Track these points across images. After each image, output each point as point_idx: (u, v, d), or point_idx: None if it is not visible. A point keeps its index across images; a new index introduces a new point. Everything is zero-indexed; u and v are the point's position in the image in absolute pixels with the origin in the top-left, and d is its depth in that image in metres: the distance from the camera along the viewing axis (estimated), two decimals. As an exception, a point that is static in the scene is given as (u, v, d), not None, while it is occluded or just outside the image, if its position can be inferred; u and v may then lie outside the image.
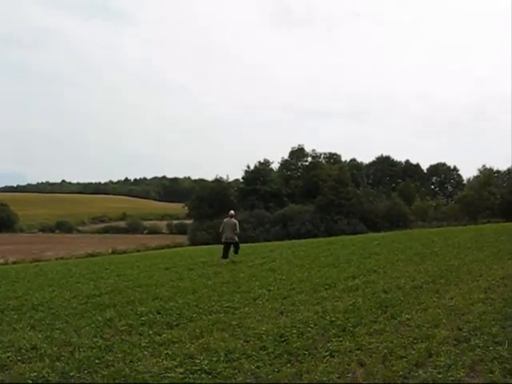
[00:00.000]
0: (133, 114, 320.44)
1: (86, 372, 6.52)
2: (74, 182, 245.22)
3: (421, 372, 6.14)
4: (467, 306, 9.33)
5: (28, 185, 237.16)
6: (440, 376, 5.95)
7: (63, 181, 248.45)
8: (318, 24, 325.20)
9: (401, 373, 6.14)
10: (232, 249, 19.46)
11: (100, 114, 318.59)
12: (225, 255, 19.10)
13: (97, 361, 6.91)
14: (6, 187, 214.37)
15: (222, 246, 19.55)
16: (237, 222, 19.66)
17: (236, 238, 19.42)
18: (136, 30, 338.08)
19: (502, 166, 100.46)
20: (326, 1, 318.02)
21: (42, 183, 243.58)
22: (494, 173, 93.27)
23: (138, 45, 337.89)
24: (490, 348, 6.84)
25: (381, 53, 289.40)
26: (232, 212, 20.57)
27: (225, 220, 19.93)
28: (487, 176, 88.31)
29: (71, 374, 6.44)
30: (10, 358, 7.19)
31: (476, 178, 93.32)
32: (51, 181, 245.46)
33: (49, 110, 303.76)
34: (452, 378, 5.88)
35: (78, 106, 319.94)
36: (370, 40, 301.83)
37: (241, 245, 20.03)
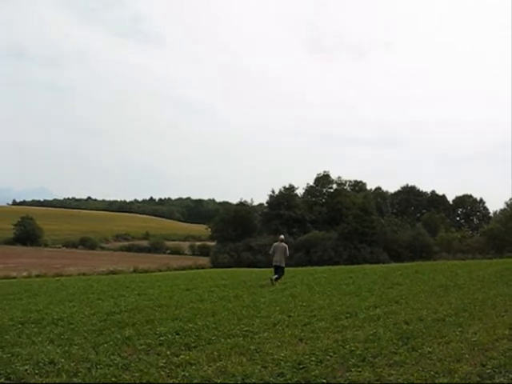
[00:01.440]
0: (160, 134, 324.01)
1: (102, 389, 6.51)
2: (100, 199, 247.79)
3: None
4: (491, 342, 9.12)
5: (54, 200, 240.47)
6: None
7: (89, 197, 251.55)
8: (349, 51, 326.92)
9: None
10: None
11: (127, 133, 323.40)
12: (278, 277, 19.54)
13: (113, 379, 6.90)
14: (33, 201, 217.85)
15: (273, 268, 20.16)
16: (287, 246, 20.20)
17: (283, 263, 19.91)
18: (164, 51, 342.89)
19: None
20: (356, 29, 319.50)
21: (68, 199, 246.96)
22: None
23: (166, 65, 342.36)
24: (515, 386, 6.67)
25: (409, 82, 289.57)
26: (282, 236, 21.23)
27: (275, 244, 20.46)
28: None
29: (87, 390, 6.44)
30: (28, 371, 7.22)
31: (503, 211, 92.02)
32: (77, 197, 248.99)
33: (77, 127, 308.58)
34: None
35: (106, 125, 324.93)
36: (399, 69, 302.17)
37: (262, 269, 20.08)
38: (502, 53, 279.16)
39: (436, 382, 6.87)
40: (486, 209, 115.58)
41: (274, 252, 20.13)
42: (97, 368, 7.37)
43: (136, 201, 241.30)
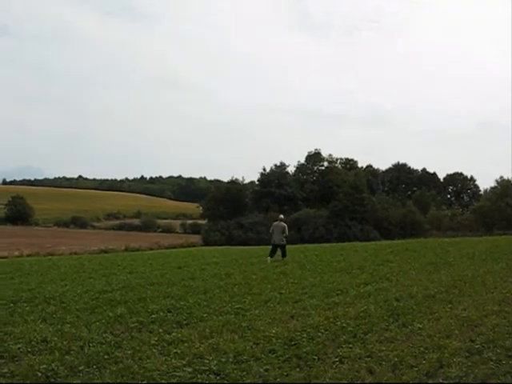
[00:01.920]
0: (150, 112, 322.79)
1: (94, 367, 6.51)
2: (91, 178, 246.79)
3: (431, 382, 6.07)
4: (480, 318, 9.22)
5: (45, 179, 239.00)
6: (451, 387, 5.88)
7: (80, 176, 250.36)
8: (337, 28, 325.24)
9: (410, 382, 6.07)
10: (279, 252, 20.47)
11: (117, 112, 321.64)
12: (271, 255, 20.06)
13: (106, 356, 6.91)
14: (23, 181, 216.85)
15: (271, 247, 20.80)
16: (285, 225, 20.83)
17: (284, 241, 20.55)
18: (153, 28, 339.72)
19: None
20: (346, 7, 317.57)
21: (59, 178, 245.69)
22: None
23: (155, 44, 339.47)
24: (503, 361, 6.73)
25: (400, 60, 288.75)
26: (281, 216, 22.05)
27: (274, 223, 21.20)
28: (504, 187, 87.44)
29: (80, 368, 6.44)
30: (21, 350, 7.22)
31: (493, 188, 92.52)
32: (68, 176, 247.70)
33: (67, 106, 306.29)
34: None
35: (96, 104, 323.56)
36: (390, 47, 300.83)
37: (253, 247, 20.21)
38: (492, 34, 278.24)
39: (426, 357, 6.93)
40: (476, 186, 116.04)
41: (273, 231, 20.77)
42: (89, 346, 7.38)
43: (127, 179, 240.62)
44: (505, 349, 7.27)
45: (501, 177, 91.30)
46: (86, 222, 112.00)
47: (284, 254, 20.41)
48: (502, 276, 14.71)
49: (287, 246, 21.18)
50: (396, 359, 6.84)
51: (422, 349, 7.33)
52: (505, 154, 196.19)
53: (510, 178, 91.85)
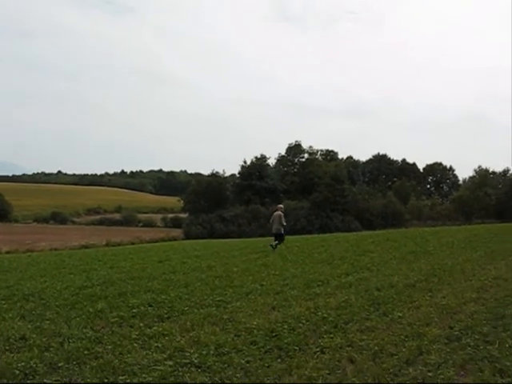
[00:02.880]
0: (130, 106, 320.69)
1: (74, 363, 6.45)
2: (70, 173, 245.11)
3: (411, 370, 6.11)
4: (459, 305, 9.33)
5: (24, 175, 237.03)
6: (430, 374, 5.92)
7: (59, 172, 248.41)
8: (315, 21, 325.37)
9: (391, 370, 6.11)
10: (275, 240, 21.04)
11: (97, 106, 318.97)
12: (278, 243, 20.76)
13: (86, 352, 6.85)
14: (1, 177, 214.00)
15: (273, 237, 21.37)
16: (282, 214, 21.26)
17: (282, 230, 21.05)
18: (136, 21, 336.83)
19: (498, 167, 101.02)
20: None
21: (38, 174, 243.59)
22: (490, 174, 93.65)
23: (137, 37, 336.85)
24: (481, 347, 6.83)
25: (379, 52, 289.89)
26: (280, 206, 22.69)
27: (274, 213, 21.61)
28: (483, 177, 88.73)
29: (59, 364, 6.38)
30: (-1, 348, 7.15)
31: (471, 178, 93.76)
32: (47, 171, 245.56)
33: (46, 101, 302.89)
34: (442, 377, 5.84)
35: (76, 98, 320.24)
36: (368, 38, 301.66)
37: (235, 240, 20.27)
38: (472, 25, 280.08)
39: (406, 345, 6.99)
40: (455, 176, 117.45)
41: (272, 221, 21.35)
42: (69, 342, 7.31)
43: (107, 174, 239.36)
44: (482, 335, 7.37)
45: (479, 166, 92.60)
46: (66, 218, 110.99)
47: (279, 242, 20.90)
48: (480, 264, 14.89)
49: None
50: (376, 348, 6.89)
51: (402, 337, 7.40)
52: (483, 143, 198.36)
53: (488, 167, 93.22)
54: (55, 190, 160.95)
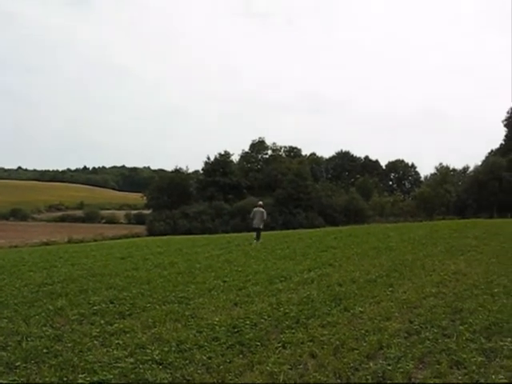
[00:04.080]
0: (92, 100, 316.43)
1: (32, 362, 6.35)
2: (31, 168, 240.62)
3: (371, 364, 6.19)
4: (419, 300, 9.50)
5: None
6: (390, 368, 6.01)
7: (19, 167, 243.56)
8: (279, 17, 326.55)
9: (351, 364, 6.18)
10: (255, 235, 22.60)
11: (57, 100, 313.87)
12: (257, 238, 22.28)
13: (45, 350, 6.75)
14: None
15: (254, 232, 23.09)
16: (264, 211, 22.76)
17: (262, 226, 22.57)
18: (92, 13, 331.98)
19: (458, 165, 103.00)
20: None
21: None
22: (450, 171, 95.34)
23: (94, 29, 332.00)
24: (439, 340, 6.97)
25: (340, 49, 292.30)
26: (261, 203, 23.88)
27: (254, 209, 22.95)
28: (443, 174, 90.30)
29: (17, 364, 6.27)
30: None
31: (433, 175, 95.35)
32: (6, 167, 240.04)
33: (3, 94, 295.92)
34: (401, 370, 5.93)
35: (34, 92, 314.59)
36: (330, 35, 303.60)
37: (198, 236, 20.34)
38: (427, 23, 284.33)
39: (367, 339, 7.07)
40: (417, 173, 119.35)
41: (253, 216, 22.58)
42: (27, 340, 7.19)
43: (69, 170, 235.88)
44: (441, 328, 7.52)
45: (440, 164, 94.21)
46: (26, 215, 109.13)
47: (258, 238, 22.22)
48: (440, 259, 15.15)
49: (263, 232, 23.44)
50: (338, 342, 6.96)
51: (362, 331, 7.49)
52: (445, 141, 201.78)
53: (448, 165, 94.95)
54: (15, 185, 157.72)
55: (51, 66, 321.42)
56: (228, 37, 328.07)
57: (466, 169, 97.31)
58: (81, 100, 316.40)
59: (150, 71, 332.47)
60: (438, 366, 6.06)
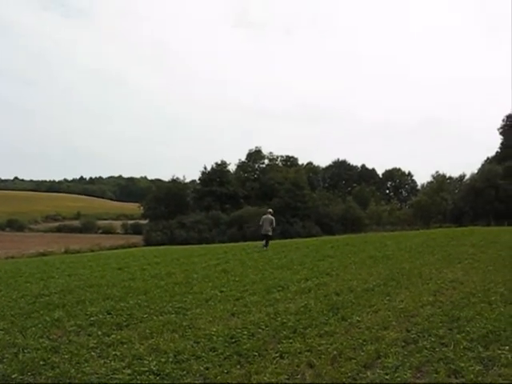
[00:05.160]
0: (89, 111, 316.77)
1: (29, 374, 6.34)
2: (27, 179, 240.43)
3: (369, 373, 6.19)
4: (416, 309, 9.49)
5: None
6: (387, 377, 6.01)
7: (16, 178, 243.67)
8: (277, 27, 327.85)
9: (349, 374, 6.17)
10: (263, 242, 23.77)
11: (53, 110, 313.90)
12: (265, 244, 23.53)
13: (41, 362, 6.73)
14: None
15: (262, 238, 24.22)
16: (273, 218, 23.71)
17: (271, 232, 23.58)
18: (89, 23, 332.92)
19: (455, 173, 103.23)
20: (284, 4, 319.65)
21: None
22: (447, 179, 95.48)
23: (91, 39, 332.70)
24: (437, 349, 6.97)
25: (337, 59, 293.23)
26: (270, 210, 24.98)
27: (264, 216, 24.05)
28: (440, 182, 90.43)
29: (13, 376, 6.25)
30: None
31: (429, 183, 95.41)
32: (3, 177, 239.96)
33: (1, 105, 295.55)
34: (399, 379, 5.94)
35: (31, 102, 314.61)
36: (326, 46, 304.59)
37: (195, 246, 20.33)
38: (424, 34, 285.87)
39: (364, 349, 7.07)
40: (413, 182, 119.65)
41: (262, 223, 23.67)
42: (24, 352, 7.17)
43: (66, 180, 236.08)
44: (439, 337, 7.51)
45: (437, 172, 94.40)
46: (23, 225, 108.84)
47: (267, 244, 23.40)
48: (437, 267, 15.15)
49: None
50: (335, 352, 6.96)
51: (360, 341, 7.48)
52: (441, 149, 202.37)
53: (445, 173, 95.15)
54: (11, 196, 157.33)
55: (48, 76, 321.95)
56: (225, 46, 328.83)
57: (462, 177, 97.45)
58: (77, 110, 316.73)
59: (146, 81, 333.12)
60: (435, 375, 6.05)
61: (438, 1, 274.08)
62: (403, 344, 7.29)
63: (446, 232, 34.15)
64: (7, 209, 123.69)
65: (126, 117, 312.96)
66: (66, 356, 7.03)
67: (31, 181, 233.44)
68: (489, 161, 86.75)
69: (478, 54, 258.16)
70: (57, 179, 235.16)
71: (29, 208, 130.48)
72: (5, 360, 6.88)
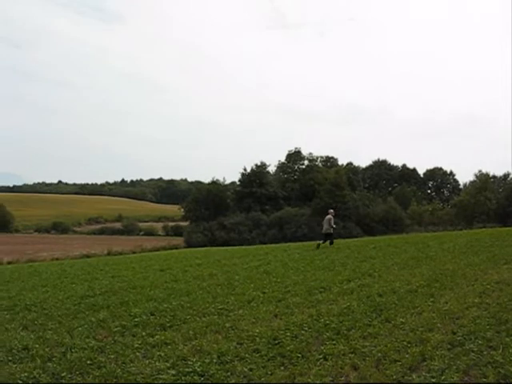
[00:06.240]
0: (130, 115, 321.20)
1: (77, 373, 6.47)
2: (71, 182, 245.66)
3: (414, 376, 6.10)
4: (462, 311, 9.29)
5: (24, 185, 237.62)
6: (434, 380, 5.91)
7: (60, 181, 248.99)
8: (312, 28, 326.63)
9: (394, 377, 6.10)
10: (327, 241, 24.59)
11: (97, 115, 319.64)
12: (324, 242, 24.51)
13: (89, 362, 6.87)
14: (2, 187, 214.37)
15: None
16: (331, 217, 24.66)
17: (330, 231, 24.54)
18: (125, 29, 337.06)
19: (498, 172, 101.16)
20: (318, 5, 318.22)
21: (39, 184, 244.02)
22: (490, 178, 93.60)
23: (127, 45, 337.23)
24: (485, 352, 6.80)
25: (376, 57, 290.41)
26: (331, 210, 25.95)
27: (326, 217, 24.92)
28: (483, 181, 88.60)
29: (62, 374, 6.40)
30: (1, 358, 7.16)
31: (472, 183, 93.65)
32: (47, 181, 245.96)
33: (43, 110, 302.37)
34: (446, 383, 5.84)
35: (74, 107, 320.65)
36: (366, 45, 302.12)
37: (236, 247, 20.37)
38: (466, 29, 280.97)
39: (409, 351, 6.97)
40: (456, 181, 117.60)
41: (323, 223, 24.94)
42: (71, 352, 7.33)
43: (107, 183, 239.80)
44: (486, 340, 7.33)
45: (479, 171, 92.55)
46: (67, 228, 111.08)
47: (331, 243, 24.45)
48: (482, 268, 14.82)
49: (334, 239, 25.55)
50: (379, 354, 6.88)
51: (404, 343, 7.37)
52: (484, 148, 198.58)
53: (488, 171, 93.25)
54: (56, 199, 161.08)
55: (87, 80, 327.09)
56: (261, 48, 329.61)
57: (506, 175, 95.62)
58: (117, 115, 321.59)
59: (183, 85, 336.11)
60: (484, 379, 5.91)
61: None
62: (449, 346, 7.14)
63: (490, 232, 33.38)
64: (52, 212, 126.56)
65: (166, 120, 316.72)
66: (112, 356, 7.15)
67: (74, 184, 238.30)
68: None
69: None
70: (99, 182, 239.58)
71: (72, 211, 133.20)
72: (54, 359, 7.04)
